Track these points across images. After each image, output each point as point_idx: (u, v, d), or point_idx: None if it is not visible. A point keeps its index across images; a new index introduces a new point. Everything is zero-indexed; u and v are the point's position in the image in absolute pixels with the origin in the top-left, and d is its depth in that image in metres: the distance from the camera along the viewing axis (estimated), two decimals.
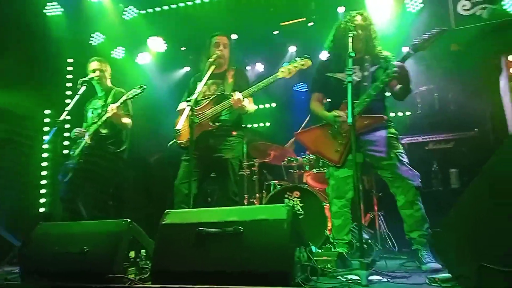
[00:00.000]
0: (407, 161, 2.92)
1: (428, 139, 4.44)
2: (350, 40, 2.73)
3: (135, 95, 3.67)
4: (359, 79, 3.00)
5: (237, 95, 3.17)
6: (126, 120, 3.84)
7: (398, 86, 2.95)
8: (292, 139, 4.70)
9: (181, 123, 2.95)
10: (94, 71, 3.98)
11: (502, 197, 1.78)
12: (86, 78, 3.92)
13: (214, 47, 3.49)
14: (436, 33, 2.71)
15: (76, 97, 3.85)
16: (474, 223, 1.87)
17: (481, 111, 4.50)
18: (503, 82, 4.44)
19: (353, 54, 2.62)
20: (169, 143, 3.45)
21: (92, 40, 5.56)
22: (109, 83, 4.08)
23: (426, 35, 2.73)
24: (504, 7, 4.19)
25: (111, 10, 5.33)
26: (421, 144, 4.45)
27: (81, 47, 5.46)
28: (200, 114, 3.35)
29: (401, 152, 2.93)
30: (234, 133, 3.45)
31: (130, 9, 5.51)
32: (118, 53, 5.80)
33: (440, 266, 2.50)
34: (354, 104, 2.84)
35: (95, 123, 3.78)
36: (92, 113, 3.96)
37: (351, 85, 2.53)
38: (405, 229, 2.87)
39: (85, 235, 2.42)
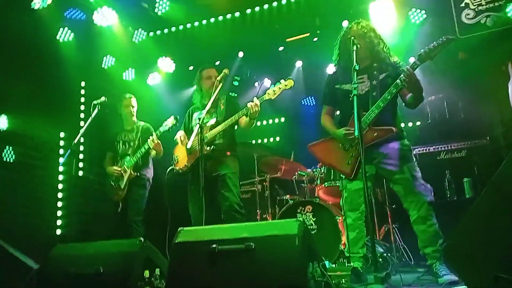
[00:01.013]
0: (420, 175, 2.90)
1: (439, 149, 4.40)
2: (354, 53, 2.75)
3: (171, 126, 3.97)
4: (367, 89, 2.99)
5: (255, 100, 3.36)
6: (160, 149, 4.18)
7: (409, 95, 2.94)
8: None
9: (191, 141, 3.06)
10: (126, 106, 4.33)
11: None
12: (99, 101, 4.03)
13: (206, 79, 3.76)
14: (442, 42, 2.72)
15: (89, 119, 3.95)
16: (487, 233, 1.86)
17: (491, 118, 4.47)
18: (511, 89, 4.41)
19: (357, 67, 2.65)
20: (168, 170, 3.71)
21: (103, 63, 5.70)
22: (135, 118, 4.40)
23: (432, 45, 2.73)
24: (508, 15, 4.19)
25: (120, 34, 5.47)
26: (433, 154, 4.42)
27: (92, 71, 5.60)
28: (195, 140, 3.50)
29: (414, 166, 2.92)
30: (229, 153, 3.66)
31: (139, 31, 5.65)
32: (129, 74, 5.94)
33: (456, 278, 2.46)
34: (365, 115, 2.88)
35: (128, 155, 4.17)
36: (124, 145, 4.28)
37: (356, 98, 2.55)
38: (419, 245, 2.85)
39: (100, 255, 2.45)
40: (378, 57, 3.03)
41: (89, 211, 5.25)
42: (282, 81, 3.36)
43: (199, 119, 3.34)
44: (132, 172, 4.11)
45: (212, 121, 3.63)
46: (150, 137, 4.03)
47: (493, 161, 3.97)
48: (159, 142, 4.08)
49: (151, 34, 5.72)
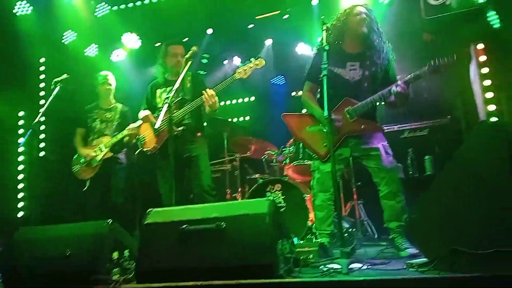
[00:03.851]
0: (392, 154, 3.00)
1: (403, 128, 4.54)
2: (323, 33, 2.74)
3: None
4: (359, 78, 2.99)
5: (210, 91, 3.28)
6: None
7: (393, 100, 2.94)
8: (291, 140, 4.71)
9: (159, 122, 2.98)
10: (103, 84, 4.25)
11: (472, 182, 1.86)
12: (60, 78, 3.86)
13: (171, 56, 3.62)
14: (439, 65, 2.78)
15: (51, 98, 3.79)
16: (446, 208, 1.95)
17: (453, 99, 4.64)
18: (473, 70, 4.57)
19: (327, 48, 2.65)
20: (136, 152, 3.62)
21: (64, 39, 5.44)
22: (112, 97, 4.32)
23: (431, 67, 2.79)
24: None
25: (82, 8, 5.23)
26: (397, 133, 4.55)
27: (53, 46, 5.35)
28: (163, 120, 3.34)
29: (388, 146, 3.02)
30: (199, 134, 3.62)
31: (102, 6, 5.40)
32: (92, 50, 5.70)
33: (417, 251, 2.59)
34: (357, 105, 2.93)
35: (106, 134, 4.13)
36: (101, 123, 4.20)
37: (326, 78, 2.56)
38: (384, 218, 2.96)
39: (67, 238, 2.40)
40: (372, 47, 2.99)
41: (52, 193, 5.10)
42: (252, 59, 3.30)
43: (167, 98, 3.10)
44: (109, 152, 4.05)
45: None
46: (130, 125, 3.95)
47: (453, 139, 4.15)
48: (136, 131, 3.97)
49: (115, 8, 5.47)
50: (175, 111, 3.40)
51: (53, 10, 5.10)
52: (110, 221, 2.40)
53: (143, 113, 3.68)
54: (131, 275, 2.30)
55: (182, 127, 3.45)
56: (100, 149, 4.06)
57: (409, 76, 2.84)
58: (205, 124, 3.85)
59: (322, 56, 2.64)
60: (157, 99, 3.67)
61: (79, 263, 2.26)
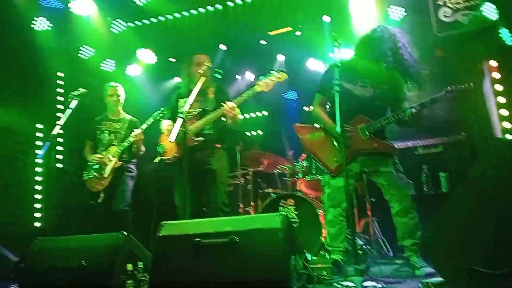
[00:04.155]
0: (402, 171, 2.99)
1: (417, 144, 4.50)
2: (336, 50, 2.77)
3: (161, 116, 3.95)
4: (370, 95, 3.01)
5: (230, 103, 3.25)
6: (143, 148, 4.21)
7: (406, 119, 2.93)
8: (291, 152, 4.71)
9: (174, 135, 2.99)
10: (111, 95, 4.28)
11: (487, 200, 1.84)
12: (77, 93, 3.94)
13: (195, 65, 3.59)
14: (456, 91, 2.81)
15: (68, 111, 3.86)
16: (462, 227, 1.93)
17: (467, 115, 4.60)
18: (486, 86, 4.54)
19: (339, 64, 2.68)
20: (155, 160, 3.56)
21: (81, 54, 5.57)
22: (121, 109, 4.37)
23: (448, 93, 2.82)
24: (483, 13, 4.30)
25: (99, 24, 5.36)
26: (411, 150, 4.51)
27: (70, 61, 5.47)
28: (183, 130, 3.40)
29: (397, 162, 3.01)
30: (218, 146, 3.56)
31: (118, 22, 5.54)
32: (108, 65, 5.83)
33: (433, 270, 2.55)
34: (371, 123, 2.94)
35: (114, 145, 4.13)
36: (109, 135, 4.23)
37: (338, 94, 2.59)
38: (397, 236, 2.93)
39: (83, 249, 2.43)
40: (384, 66, 2.98)
41: (69, 204, 5.16)
42: (274, 72, 3.23)
43: (181, 112, 3.09)
44: (118, 162, 4.08)
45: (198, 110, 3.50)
46: (134, 131, 4.03)
47: (468, 156, 4.10)
48: (142, 137, 4.07)
49: (131, 24, 5.61)
50: (194, 122, 3.41)
51: (71, 26, 5.22)
52: (124, 233, 2.42)
53: (165, 122, 3.66)
54: (144, 287, 2.31)
55: (202, 137, 3.43)
56: (109, 159, 4.09)
57: (426, 100, 2.86)
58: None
59: (334, 72, 2.67)
60: (179, 108, 3.59)
61: (94, 274, 2.28)
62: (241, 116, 3.55)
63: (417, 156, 4.43)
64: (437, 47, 4.80)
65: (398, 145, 4.51)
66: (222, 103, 3.33)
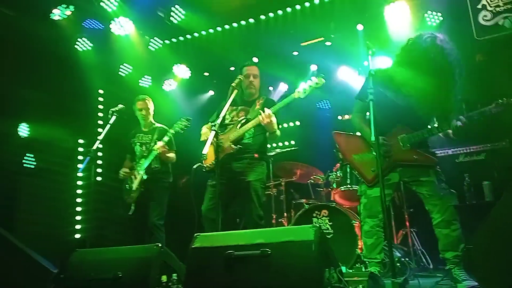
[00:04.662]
0: (444, 181, 2.89)
1: (458, 152, 4.33)
2: (369, 58, 2.74)
3: (182, 127, 4.04)
4: (414, 104, 2.88)
5: (267, 110, 3.25)
6: (171, 155, 4.24)
7: (450, 132, 2.86)
8: (338, 164, 4.62)
9: (207, 148, 3.02)
10: (140, 109, 4.38)
11: None
12: (116, 108, 4.10)
13: (245, 77, 3.59)
14: (507, 104, 2.73)
15: (108, 126, 4.03)
16: (507, 239, 1.82)
17: (510, 121, 4.37)
18: None
19: (373, 72, 2.64)
20: (194, 166, 3.53)
21: (121, 71, 5.82)
22: (152, 120, 4.45)
23: (498, 106, 2.75)
24: None
25: (137, 42, 5.57)
26: (451, 157, 4.34)
27: (110, 78, 5.72)
28: (224, 138, 3.45)
29: (439, 172, 2.91)
30: (257, 156, 3.52)
31: (155, 40, 5.75)
32: (146, 81, 6.05)
33: (476, 284, 2.42)
34: (412, 134, 2.85)
35: (144, 157, 4.19)
36: (141, 147, 4.31)
37: (372, 103, 2.54)
38: (439, 248, 2.81)
39: (119, 260, 2.48)
40: (433, 76, 2.82)
41: (107, 216, 5.34)
42: (313, 78, 3.20)
43: (214, 125, 3.09)
44: (144, 175, 4.10)
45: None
46: (157, 142, 4.09)
47: None
48: (166, 147, 4.09)
49: (167, 42, 5.81)
50: (236, 130, 3.43)
51: (111, 45, 5.46)
52: (159, 244, 2.46)
53: (205, 128, 3.68)
54: None
55: (239, 146, 3.41)
56: (138, 173, 4.17)
57: (473, 112, 2.77)
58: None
59: (368, 80, 2.63)
60: (226, 116, 3.62)
61: (129, 286, 2.33)
62: (278, 132, 3.46)
63: (458, 164, 4.25)
64: (478, 52, 4.62)
65: (438, 153, 4.35)
66: (260, 111, 3.31)
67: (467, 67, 4.61)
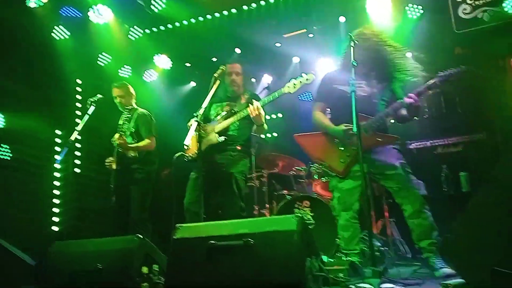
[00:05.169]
0: (411, 171, 2.94)
1: (436, 144, 4.42)
2: (351, 50, 2.76)
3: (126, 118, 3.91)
4: (365, 94, 3.01)
5: (256, 103, 3.27)
6: (142, 144, 4.03)
7: (405, 113, 2.95)
8: None
9: (189, 138, 3.01)
10: (115, 97, 4.24)
11: (510, 201, 1.78)
12: (95, 98, 4.01)
13: (227, 75, 3.61)
14: (449, 75, 2.79)
15: (86, 117, 3.94)
16: (485, 228, 1.87)
17: (488, 113, 4.49)
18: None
19: (355, 64, 2.66)
20: (176, 155, 3.50)
21: (99, 61, 5.68)
22: (134, 105, 4.29)
23: (441, 77, 2.81)
24: (505, 9, 4.20)
25: (116, 31, 5.44)
26: (430, 149, 4.44)
27: (88, 68, 5.58)
28: (209, 129, 3.48)
29: (405, 163, 2.96)
30: (239, 148, 3.53)
31: (135, 29, 5.63)
32: (125, 72, 5.93)
33: (453, 271, 2.48)
34: (371, 120, 2.92)
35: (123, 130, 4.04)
36: (123, 122, 4.15)
37: (354, 94, 2.57)
38: (413, 238, 2.86)
39: (99, 252, 2.45)
40: (379, 66, 3.02)
41: (87, 208, 5.25)
42: (303, 74, 3.24)
43: (197, 115, 3.13)
44: (117, 165, 3.94)
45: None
46: (116, 135, 3.95)
47: (489, 155, 3.99)
48: (123, 139, 3.95)
49: (147, 31, 5.70)
50: (221, 122, 3.44)
51: (89, 34, 5.32)
52: (140, 236, 2.43)
53: (192, 121, 3.60)
54: None
55: (224, 137, 3.42)
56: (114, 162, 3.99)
57: (420, 87, 2.85)
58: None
59: (351, 71, 2.65)
60: (211, 111, 3.67)
61: (110, 277, 2.30)
62: (265, 126, 3.51)
63: (436, 156, 4.35)
64: (457, 45, 4.71)
65: (416, 144, 4.45)
66: (248, 103, 3.33)
67: (447, 59, 4.74)
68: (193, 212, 3.30)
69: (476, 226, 1.95)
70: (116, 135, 3.95)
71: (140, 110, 4.25)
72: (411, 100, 2.84)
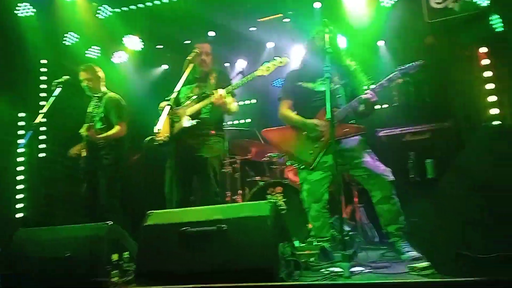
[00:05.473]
0: (377, 159, 3.02)
1: (405, 131, 4.52)
2: (326, 36, 2.76)
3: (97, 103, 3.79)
4: (332, 89, 2.97)
5: (220, 91, 3.24)
6: (112, 132, 3.89)
7: (363, 109, 3.04)
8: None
9: (161, 123, 2.96)
10: (82, 80, 4.06)
11: (474, 187, 1.85)
12: (61, 80, 3.86)
13: (197, 55, 3.51)
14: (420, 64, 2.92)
15: (51, 99, 3.78)
16: (448, 213, 1.94)
17: (455, 102, 4.63)
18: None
19: (330, 50, 2.66)
20: (146, 139, 3.42)
21: (65, 40, 5.44)
22: (102, 88, 4.11)
23: (415, 65, 2.94)
24: (474, 0, 4.30)
25: (84, 9, 5.22)
26: (398, 136, 4.53)
27: (54, 48, 5.33)
28: (180, 113, 3.40)
29: (371, 151, 3.05)
30: (213, 132, 3.49)
31: (104, 7, 5.40)
32: (93, 52, 5.71)
33: (419, 254, 2.57)
34: (337, 112, 2.95)
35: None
36: (92, 109, 4.01)
37: (329, 80, 2.57)
38: (381, 223, 2.95)
39: (66, 239, 2.39)
40: (339, 64, 3.12)
41: (54, 194, 5.08)
42: (276, 57, 3.24)
43: (169, 99, 3.13)
44: (86, 152, 3.84)
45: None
46: (84, 126, 3.85)
47: (454, 143, 4.13)
48: (93, 132, 3.82)
49: (117, 10, 5.47)
50: (192, 106, 3.37)
51: (55, 12, 5.09)
52: (109, 222, 2.38)
53: (162, 104, 3.49)
54: (130, 277, 2.29)
55: (197, 120, 3.35)
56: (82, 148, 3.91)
57: (375, 85, 2.97)
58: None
59: (324, 58, 2.67)
60: (181, 95, 3.56)
61: (78, 265, 2.25)
62: (235, 104, 3.52)
63: (405, 143, 4.45)
64: (428, 34, 4.80)
65: (385, 131, 4.54)
66: (213, 91, 3.29)
67: (418, 48, 4.83)
68: (172, 200, 3.24)
69: (440, 211, 2.02)
70: (85, 127, 3.84)
71: (110, 94, 4.09)
72: (368, 96, 2.92)
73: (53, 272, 2.27)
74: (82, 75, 4.08)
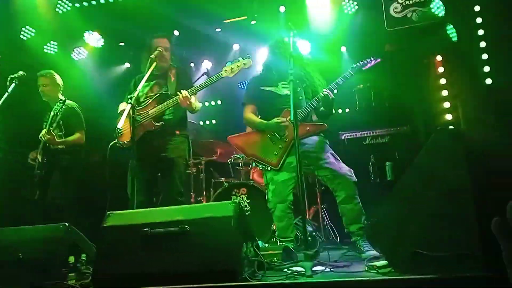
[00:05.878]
0: (340, 160, 3.11)
1: (365, 135, 4.66)
2: (291, 39, 2.81)
3: (58, 110, 3.70)
4: (293, 92, 3.11)
5: (185, 93, 3.22)
6: (71, 138, 3.91)
7: (322, 108, 3.19)
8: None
9: (122, 122, 2.90)
10: (40, 85, 4.02)
11: (431, 187, 1.93)
12: (16, 75, 3.69)
13: (155, 50, 3.43)
14: (374, 61, 3.15)
15: (6, 94, 3.62)
16: (406, 212, 2.01)
17: (412, 107, 4.83)
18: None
19: (293, 54, 2.72)
20: (110, 143, 3.34)
21: (22, 35, 5.19)
22: (60, 96, 4.03)
23: (366, 62, 3.16)
24: (432, 10, 4.51)
25: (42, 3, 5.01)
26: (359, 139, 4.67)
27: (10, 42, 5.09)
28: (143, 113, 3.34)
29: (334, 152, 3.14)
30: (178, 132, 3.46)
31: (64, 1, 5.20)
32: (51, 48, 5.48)
33: (378, 253, 2.65)
34: (298, 112, 2.98)
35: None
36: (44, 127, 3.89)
37: (292, 82, 2.62)
38: (344, 223, 3.03)
39: (20, 241, 2.28)
40: (300, 67, 3.21)
41: (7, 195, 4.81)
42: (240, 59, 3.26)
43: (130, 98, 3.02)
44: (42, 157, 3.81)
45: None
46: (43, 131, 3.76)
47: (412, 147, 4.31)
48: (53, 134, 3.76)
49: (77, 5, 5.27)
50: (155, 106, 3.32)
51: (11, 4, 4.85)
52: (66, 224, 2.29)
53: (122, 105, 3.51)
54: (88, 280, 2.21)
55: (161, 122, 3.31)
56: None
57: (338, 79, 3.13)
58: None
59: (289, 61, 2.72)
60: (140, 93, 3.42)
61: (33, 268, 2.14)
62: (199, 104, 3.53)
63: (365, 146, 4.60)
64: (388, 42, 4.97)
65: (347, 135, 4.67)
66: (177, 92, 3.26)
67: (377, 55, 4.98)
68: (140, 202, 3.15)
69: (398, 212, 2.09)
70: (44, 131, 3.74)
71: (68, 102, 3.98)
72: (325, 93, 3.05)
73: (6, 275, 2.15)
74: (41, 80, 4.04)
